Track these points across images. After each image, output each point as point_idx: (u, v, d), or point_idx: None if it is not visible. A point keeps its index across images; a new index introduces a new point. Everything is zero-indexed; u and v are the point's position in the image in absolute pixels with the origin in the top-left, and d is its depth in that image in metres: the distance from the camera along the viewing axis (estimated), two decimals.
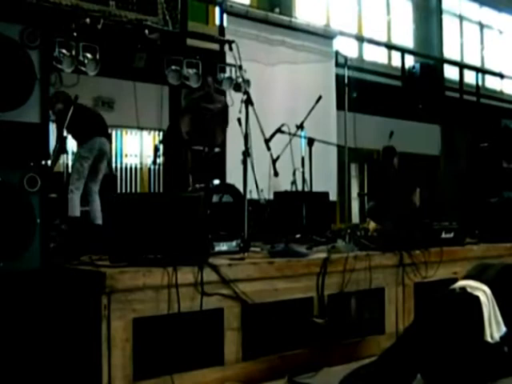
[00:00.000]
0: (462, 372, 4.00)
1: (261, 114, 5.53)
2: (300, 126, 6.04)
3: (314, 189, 6.10)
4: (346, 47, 10.85)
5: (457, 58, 14.65)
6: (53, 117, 5.95)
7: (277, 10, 9.51)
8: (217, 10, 8.99)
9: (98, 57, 7.06)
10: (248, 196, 5.25)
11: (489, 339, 4.09)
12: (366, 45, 12.43)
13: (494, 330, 4.12)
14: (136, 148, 9.40)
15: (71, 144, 6.68)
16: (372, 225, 5.60)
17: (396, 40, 13.55)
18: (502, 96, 14.96)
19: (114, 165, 8.93)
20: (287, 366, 4.39)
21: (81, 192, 6.22)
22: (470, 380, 4.00)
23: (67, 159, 5.85)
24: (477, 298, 4.15)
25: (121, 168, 9.39)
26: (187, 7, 8.32)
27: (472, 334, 4.10)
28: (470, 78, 13.67)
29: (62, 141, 5.71)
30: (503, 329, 4.18)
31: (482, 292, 4.18)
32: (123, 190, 9.10)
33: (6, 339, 3.92)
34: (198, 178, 6.24)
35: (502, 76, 15.19)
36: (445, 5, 14.55)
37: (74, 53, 6.86)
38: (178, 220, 4.08)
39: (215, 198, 6.25)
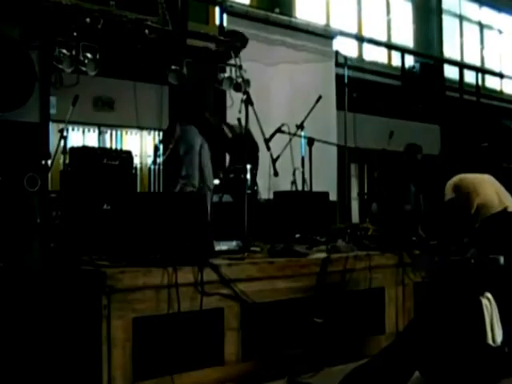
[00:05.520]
0: (463, 371, 4.00)
1: (261, 114, 5.52)
2: (300, 126, 6.03)
3: (314, 189, 6.09)
4: (346, 47, 10.86)
5: (457, 57, 14.65)
6: None
7: (277, 9, 9.50)
8: (217, 9, 8.99)
9: (98, 57, 7.06)
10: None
11: (491, 342, 4.10)
12: (365, 45, 12.43)
13: (497, 333, 4.13)
14: (136, 148, 9.38)
15: (72, 143, 6.67)
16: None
17: (396, 40, 13.55)
18: (502, 96, 14.96)
19: None
20: (287, 365, 4.39)
21: None
22: (470, 380, 4.01)
23: (67, 159, 5.83)
24: (478, 300, 4.16)
25: None
26: (187, 7, 8.33)
27: (473, 334, 4.11)
28: (469, 77, 13.67)
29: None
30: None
31: (485, 296, 4.20)
32: None
33: (7, 339, 3.93)
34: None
35: (501, 76, 15.20)
36: (445, 5, 14.55)
37: (74, 53, 6.86)
38: (178, 219, 4.08)
39: (215, 198, 6.27)
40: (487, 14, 15.93)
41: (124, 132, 9.19)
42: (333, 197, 8.35)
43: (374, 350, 4.68)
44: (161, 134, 8.95)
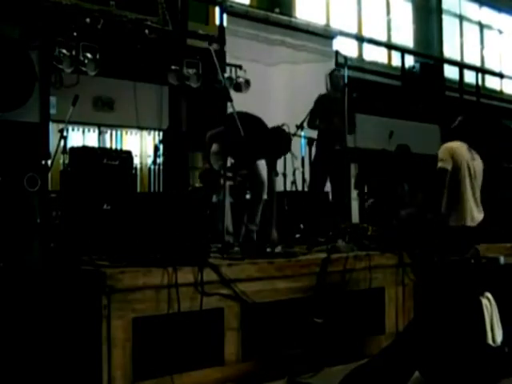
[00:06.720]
0: (463, 371, 4.00)
1: (261, 114, 5.52)
2: (300, 126, 6.04)
3: None
4: (346, 47, 10.85)
5: (457, 57, 14.65)
6: None
7: (277, 9, 9.50)
8: (217, 9, 8.99)
9: (98, 57, 7.06)
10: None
11: (490, 342, 4.10)
12: (365, 45, 12.43)
13: (497, 333, 4.13)
14: (136, 148, 9.38)
15: (72, 143, 6.66)
16: None
17: (396, 40, 13.55)
18: (502, 96, 14.96)
19: None
20: (287, 365, 4.39)
21: None
22: (470, 380, 4.01)
23: (67, 159, 5.83)
24: (478, 300, 4.16)
25: None
26: (187, 7, 8.33)
27: (473, 334, 4.11)
28: (469, 77, 13.67)
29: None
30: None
31: (485, 296, 4.20)
32: None
33: (6, 339, 3.93)
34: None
35: (501, 76, 15.19)
36: (445, 5, 14.55)
37: (74, 53, 6.86)
38: (178, 220, 4.08)
39: (215, 198, 6.27)
40: (487, 14, 15.93)
41: (124, 132, 9.18)
42: None
43: (374, 349, 4.68)
44: (161, 134, 8.96)
